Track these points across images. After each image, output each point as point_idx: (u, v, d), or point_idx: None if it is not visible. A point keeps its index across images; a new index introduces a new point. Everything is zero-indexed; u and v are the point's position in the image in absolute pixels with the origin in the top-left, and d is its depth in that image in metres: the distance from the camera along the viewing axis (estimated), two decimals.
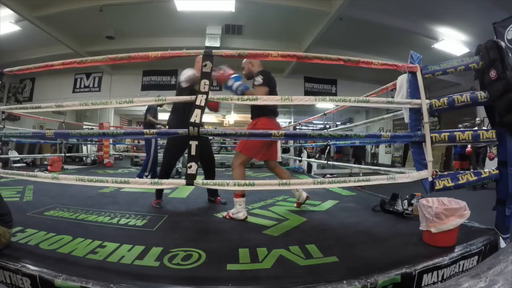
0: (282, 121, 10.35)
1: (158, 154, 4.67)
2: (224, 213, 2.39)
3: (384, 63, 1.94)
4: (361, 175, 5.24)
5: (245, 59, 2.58)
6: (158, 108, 4.69)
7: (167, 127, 3.14)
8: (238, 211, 2.28)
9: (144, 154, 5.12)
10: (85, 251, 1.56)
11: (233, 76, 2.27)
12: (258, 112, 2.48)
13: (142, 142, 8.05)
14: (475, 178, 1.85)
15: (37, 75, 9.92)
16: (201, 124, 1.68)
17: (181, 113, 2.43)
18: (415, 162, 1.93)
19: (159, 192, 2.79)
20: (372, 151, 13.07)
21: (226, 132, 2.02)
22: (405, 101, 1.95)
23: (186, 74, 2.49)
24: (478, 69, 1.90)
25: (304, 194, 2.70)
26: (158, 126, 4.59)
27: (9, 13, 6.13)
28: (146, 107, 4.59)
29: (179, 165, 5.18)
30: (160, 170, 2.89)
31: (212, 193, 2.94)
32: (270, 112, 2.49)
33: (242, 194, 2.29)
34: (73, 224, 2.08)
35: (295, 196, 2.76)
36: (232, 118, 14.34)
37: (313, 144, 6.85)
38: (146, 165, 4.43)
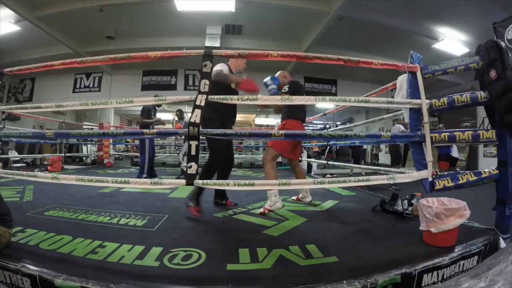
0: None
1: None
2: (260, 210, 2.46)
3: (384, 63, 1.94)
4: (363, 174, 5.24)
5: (280, 72, 2.88)
6: (157, 108, 4.69)
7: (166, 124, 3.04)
8: (275, 202, 2.45)
9: None
10: (85, 251, 1.56)
11: (272, 76, 2.66)
12: (288, 114, 2.75)
13: (137, 142, 8.05)
14: (475, 178, 1.85)
15: (37, 75, 9.93)
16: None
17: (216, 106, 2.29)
18: (415, 162, 1.93)
19: (198, 198, 2.36)
20: (374, 152, 13.05)
21: (226, 132, 2.02)
22: (405, 101, 1.95)
23: (217, 69, 2.36)
24: (478, 69, 1.90)
25: (309, 198, 2.89)
26: (156, 123, 4.62)
27: (9, 13, 6.13)
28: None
29: (183, 164, 5.17)
30: (209, 171, 2.41)
31: (221, 195, 2.75)
32: (298, 115, 2.77)
33: None
34: (73, 224, 2.08)
35: (300, 192, 2.92)
36: None
37: (313, 144, 6.84)
38: (144, 166, 4.41)
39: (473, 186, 1.85)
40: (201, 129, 1.68)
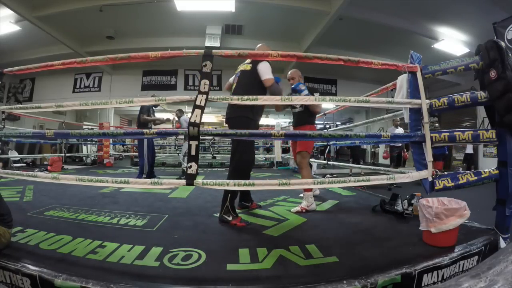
0: (282, 121, 10.36)
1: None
2: (296, 208, 2.58)
3: (384, 63, 1.93)
4: (362, 174, 5.25)
5: (294, 70, 2.99)
6: (155, 108, 4.69)
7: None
8: (311, 203, 2.62)
9: None
10: (85, 251, 1.56)
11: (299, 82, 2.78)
12: (309, 120, 2.95)
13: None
14: (475, 178, 1.85)
15: (37, 75, 9.93)
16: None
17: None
18: (415, 162, 1.93)
19: (234, 209, 2.28)
20: (372, 151, 13.07)
21: (226, 132, 2.02)
22: (405, 101, 1.95)
23: (272, 77, 2.41)
24: (478, 69, 1.90)
25: (317, 191, 3.11)
26: (157, 122, 4.64)
27: (9, 13, 6.13)
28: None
29: (184, 164, 5.18)
30: (244, 172, 2.35)
31: (246, 197, 2.69)
32: (315, 121, 3.04)
33: (311, 188, 2.65)
34: (73, 224, 2.08)
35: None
36: None
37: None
38: (143, 167, 4.40)
39: (473, 186, 1.85)
40: (201, 129, 1.68)
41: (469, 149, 8.45)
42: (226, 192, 2.25)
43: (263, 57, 2.04)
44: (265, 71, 2.36)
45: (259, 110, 2.52)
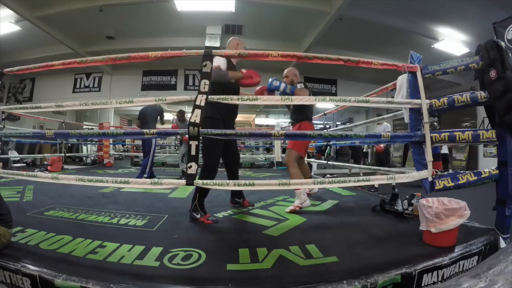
0: (282, 121, 10.35)
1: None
2: (290, 208, 2.52)
3: (384, 63, 1.94)
4: (361, 174, 5.25)
5: (290, 68, 2.89)
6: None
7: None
8: (304, 200, 2.56)
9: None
10: (85, 251, 1.56)
11: (275, 78, 2.50)
12: (302, 116, 2.84)
13: (138, 142, 8.12)
14: (475, 178, 1.85)
15: (37, 75, 9.92)
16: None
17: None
18: (415, 162, 1.93)
19: (202, 206, 2.28)
20: (364, 151, 12.98)
21: (226, 132, 2.02)
22: (405, 101, 1.95)
23: (214, 65, 2.10)
24: (478, 69, 1.90)
25: (316, 189, 3.13)
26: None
27: (9, 13, 6.14)
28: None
29: (183, 165, 5.21)
30: (204, 174, 2.29)
31: (238, 194, 2.69)
32: (310, 117, 2.91)
33: None
34: (73, 224, 2.08)
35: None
36: None
37: (313, 144, 6.85)
38: (146, 166, 4.41)
39: (473, 186, 1.85)
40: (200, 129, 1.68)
41: (444, 149, 8.30)
42: (196, 191, 2.25)
43: (263, 57, 2.04)
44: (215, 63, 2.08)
45: (228, 110, 2.36)
